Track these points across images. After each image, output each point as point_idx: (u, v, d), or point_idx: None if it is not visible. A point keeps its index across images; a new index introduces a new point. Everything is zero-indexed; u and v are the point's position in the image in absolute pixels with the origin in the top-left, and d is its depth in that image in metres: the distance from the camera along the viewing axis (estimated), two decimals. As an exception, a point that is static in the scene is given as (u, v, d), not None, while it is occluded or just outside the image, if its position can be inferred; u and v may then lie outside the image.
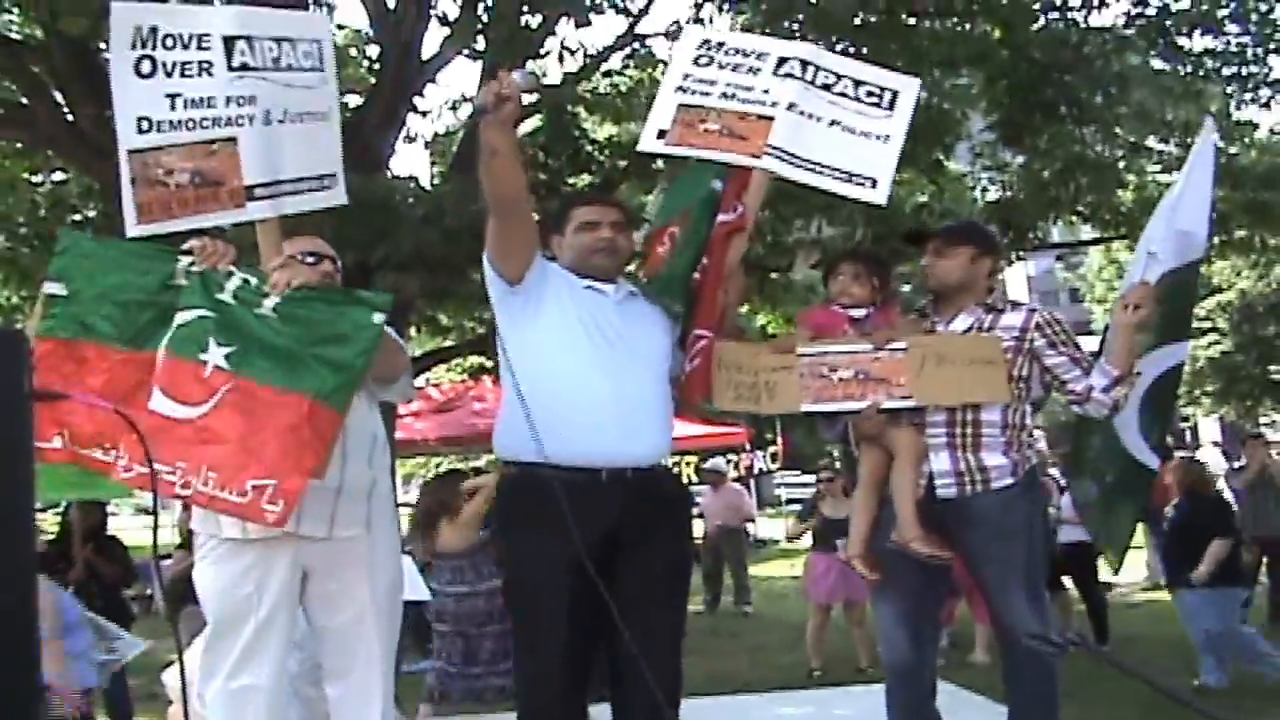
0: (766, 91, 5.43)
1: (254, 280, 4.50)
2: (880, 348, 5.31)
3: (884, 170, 5.40)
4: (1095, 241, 22.39)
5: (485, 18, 13.00)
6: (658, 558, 4.87)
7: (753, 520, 22.97)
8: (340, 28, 17.33)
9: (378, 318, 4.46)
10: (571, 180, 14.84)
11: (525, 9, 12.63)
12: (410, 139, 15.85)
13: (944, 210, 16.69)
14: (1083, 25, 14.29)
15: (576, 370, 4.83)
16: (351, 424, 4.65)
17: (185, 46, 4.54)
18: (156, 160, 4.46)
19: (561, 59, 14.04)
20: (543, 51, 14.11)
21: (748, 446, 31.56)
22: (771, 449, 39.11)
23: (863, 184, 5.37)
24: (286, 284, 4.48)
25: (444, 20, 13.77)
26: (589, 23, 12.65)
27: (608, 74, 16.41)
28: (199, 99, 4.55)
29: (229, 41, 4.62)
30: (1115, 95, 14.16)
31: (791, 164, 5.31)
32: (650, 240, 5.48)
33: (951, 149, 16.14)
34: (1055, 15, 14.25)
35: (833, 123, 5.41)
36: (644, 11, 14.82)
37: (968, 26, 13.86)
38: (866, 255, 6.03)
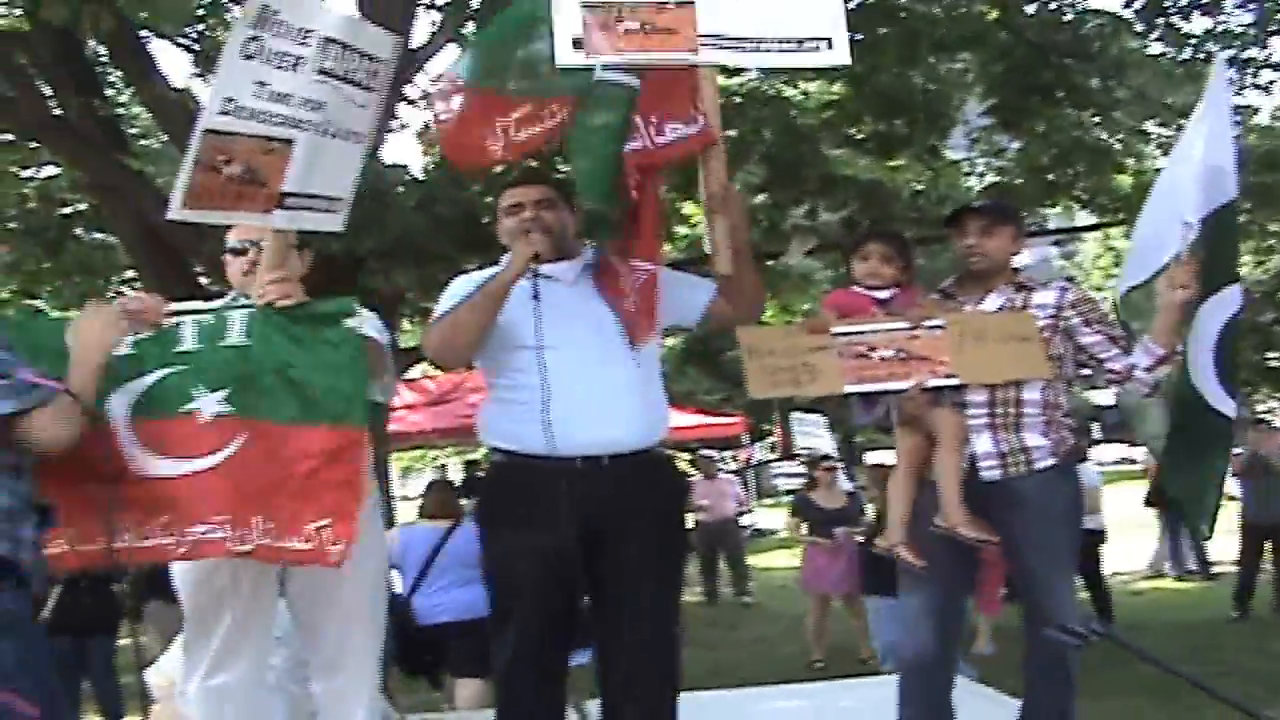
0: None
1: (207, 319, 4.42)
2: (917, 326, 5.13)
3: (834, 23, 4.87)
4: (1093, 227, 22.14)
5: (475, 2, 12.81)
6: (638, 543, 4.68)
7: (748, 510, 22.96)
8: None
9: (350, 323, 4.38)
10: (565, 169, 14.65)
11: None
12: (400, 128, 15.69)
13: (940, 196, 16.56)
14: (1079, 7, 14.13)
15: (533, 364, 4.66)
16: None
17: (290, 38, 4.30)
18: (226, 146, 4.22)
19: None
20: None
21: (746, 438, 31.51)
22: (770, 439, 39.17)
23: (816, 47, 4.86)
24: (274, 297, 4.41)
25: (432, 5, 13.59)
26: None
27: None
28: (279, 93, 4.31)
29: (327, 43, 4.39)
30: (1113, 79, 14.01)
31: (734, 50, 4.80)
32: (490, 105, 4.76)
33: (947, 134, 15.98)
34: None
35: None
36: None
37: (962, 9, 13.68)
38: (894, 235, 5.78)
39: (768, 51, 4.85)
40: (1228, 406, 5.66)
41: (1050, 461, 5.22)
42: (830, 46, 4.85)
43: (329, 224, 4.71)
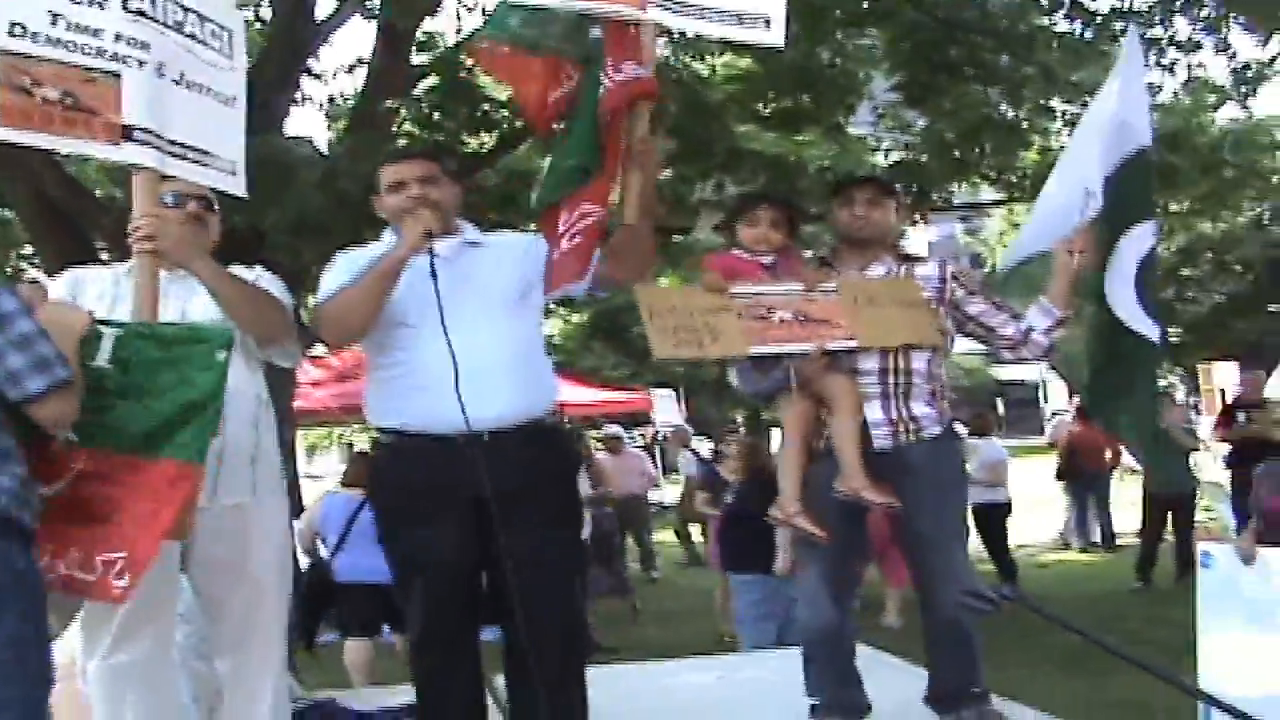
0: None
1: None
2: (812, 288, 5.11)
3: (775, 5, 5.04)
4: (998, 203, 22.28)
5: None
6: (529, 514, 4.63)
7: (656, 485, 22.93)
8: (234, -10, 16.82)
9: (221, 355, 4.13)
10: (467, 140, 14.55)
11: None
12: (303, 100, 15.53)
13: (846, 172, 16.58)
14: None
15: (412, 338, 4.66)
16: (231, 385, 4.41)
17: None
18: (25, 68, 4.14)
19: (459, 16, 13.75)
20: (439, 8, 13.83)
21: (652, 415, 31.44)
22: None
23: (754, 25, 5.03)
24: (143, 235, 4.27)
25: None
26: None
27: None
28: (85, 26, 4.25)
29: None
30: (1021, 56, 14.03)
31: (678, 12, 4.91)
32: (536, 76, 4.99)
33: (853, 110, 15.98)
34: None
35: None
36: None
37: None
38: (781, 200, 5.73)
39: (710, 20, 4.97)
40: (1153, 331, 5.66)
41: (937, 430, 5.29)
42: (768, 26, 5.01)
43: (226, 185, 4.65)
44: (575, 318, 36.24)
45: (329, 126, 16.67)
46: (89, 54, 4.25)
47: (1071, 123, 15.33)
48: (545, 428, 4.85)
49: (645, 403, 26.88)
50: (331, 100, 16.37)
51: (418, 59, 13.94)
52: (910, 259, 5.45)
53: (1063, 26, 14.25)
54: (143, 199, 4.37)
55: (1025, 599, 3.43)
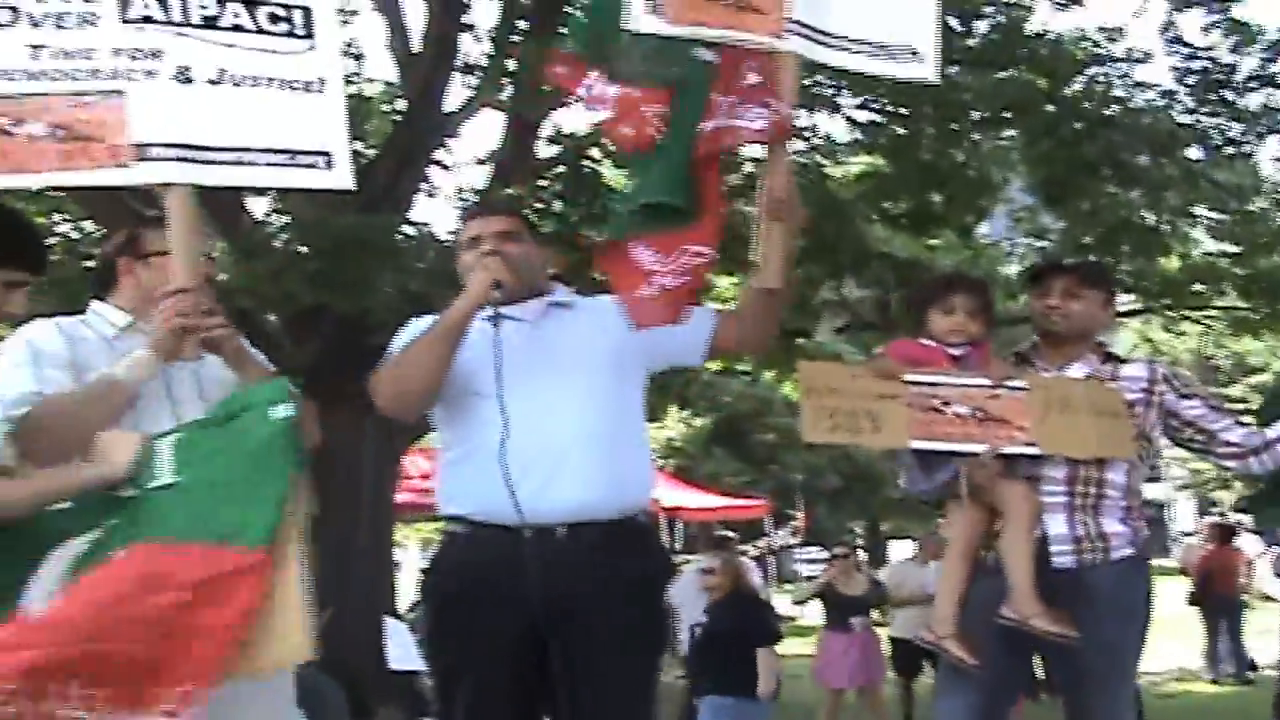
0: None
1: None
2: (998, 384, 4.62)
3: (924, 35, 4.51)
4: (1134, 313, 21.60)
5: (512, 66, 12.46)
6: (600, 627, 4.02)
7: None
8: (371, 81, 16.84)
9: (280, 411, 3.44)
10: (588, 233, 14.32)
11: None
12: (432, 193, 15.39)
13: (980, 276, 16.14)
14: (1129, 79, 13.67)
15: (483, 415, 4.06)
16: None
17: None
18: (3, 109, 3.82)
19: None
20: (568, 99, 13.69)
21: (768, 523, 31.05)
22: (793, 524, 38.64)
23: (905, 59, 4.47)
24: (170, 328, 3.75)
25: (469, 68, 13.28)
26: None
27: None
28: (73, 51, 3.91)
29: None
30: (1163, 155, 13.52)
31: (820, 44, 4.37)
32: (625, 102, 4.19)
33: (985, 212, 15.55)
34: (1099, 69, 13.61)
35: None
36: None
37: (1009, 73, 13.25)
38: (980, 285, 5.17)
39: (855, 53, 4.45)
40: None
41: (1129, 551, 4.73)
42: (919, 60, 4.51)
43: (327, 180, 4.16)
44: (697, 422, 35.95)
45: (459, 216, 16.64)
46: (80, 78, 3.93)
47: (1212, 229, 14.79)
48: (632, 528, 4.22)
49: (762, 510, 26.58)
50: (460, 191, 16.31)
51: (546, 151, 13.85)
52: (1118, 359, 4.96)
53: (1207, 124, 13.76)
54: (180, 251, 3.91)
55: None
